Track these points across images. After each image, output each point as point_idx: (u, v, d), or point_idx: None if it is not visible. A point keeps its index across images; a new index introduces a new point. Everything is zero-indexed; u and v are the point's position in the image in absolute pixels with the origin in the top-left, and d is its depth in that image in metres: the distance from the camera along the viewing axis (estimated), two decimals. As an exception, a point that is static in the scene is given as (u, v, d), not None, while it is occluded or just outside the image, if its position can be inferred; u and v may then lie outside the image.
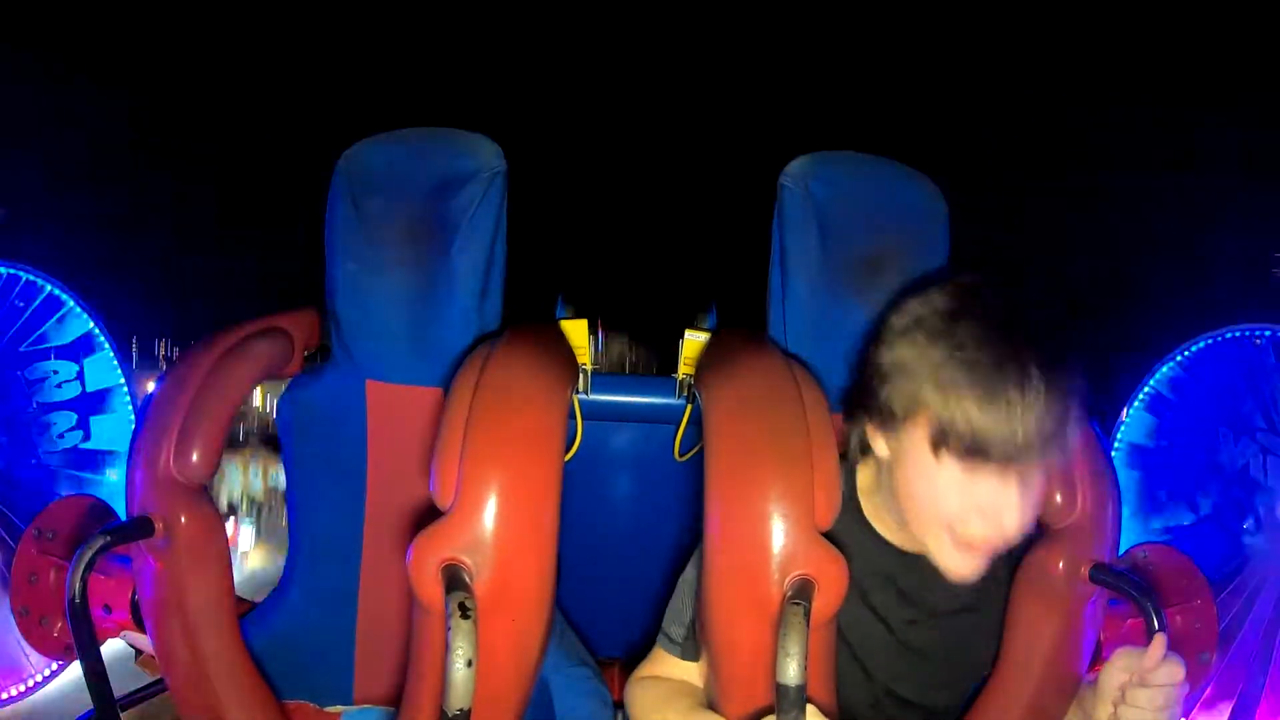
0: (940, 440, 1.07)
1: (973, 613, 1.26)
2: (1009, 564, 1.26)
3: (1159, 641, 1.07)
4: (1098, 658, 1.34)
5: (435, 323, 1.46)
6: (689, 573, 1.28)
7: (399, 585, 1.46)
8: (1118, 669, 1.11)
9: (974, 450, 1.05)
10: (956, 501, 1.09)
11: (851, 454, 1.25)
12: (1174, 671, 1.08)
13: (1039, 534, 1.28)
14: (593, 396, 1.69)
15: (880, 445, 1.17)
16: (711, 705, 1.20)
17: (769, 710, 0.99)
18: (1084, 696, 1.23)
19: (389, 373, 1.49)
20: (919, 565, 1.19)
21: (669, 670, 1.28)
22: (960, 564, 1.13)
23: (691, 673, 1.26)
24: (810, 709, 0.97)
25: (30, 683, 2.03)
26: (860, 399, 1.18)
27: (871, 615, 1.24)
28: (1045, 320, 1.11)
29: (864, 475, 1.26)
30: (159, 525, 1.29)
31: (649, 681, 1.29)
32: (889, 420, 1.13)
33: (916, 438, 1.10)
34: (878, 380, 1.14)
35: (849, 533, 1.20)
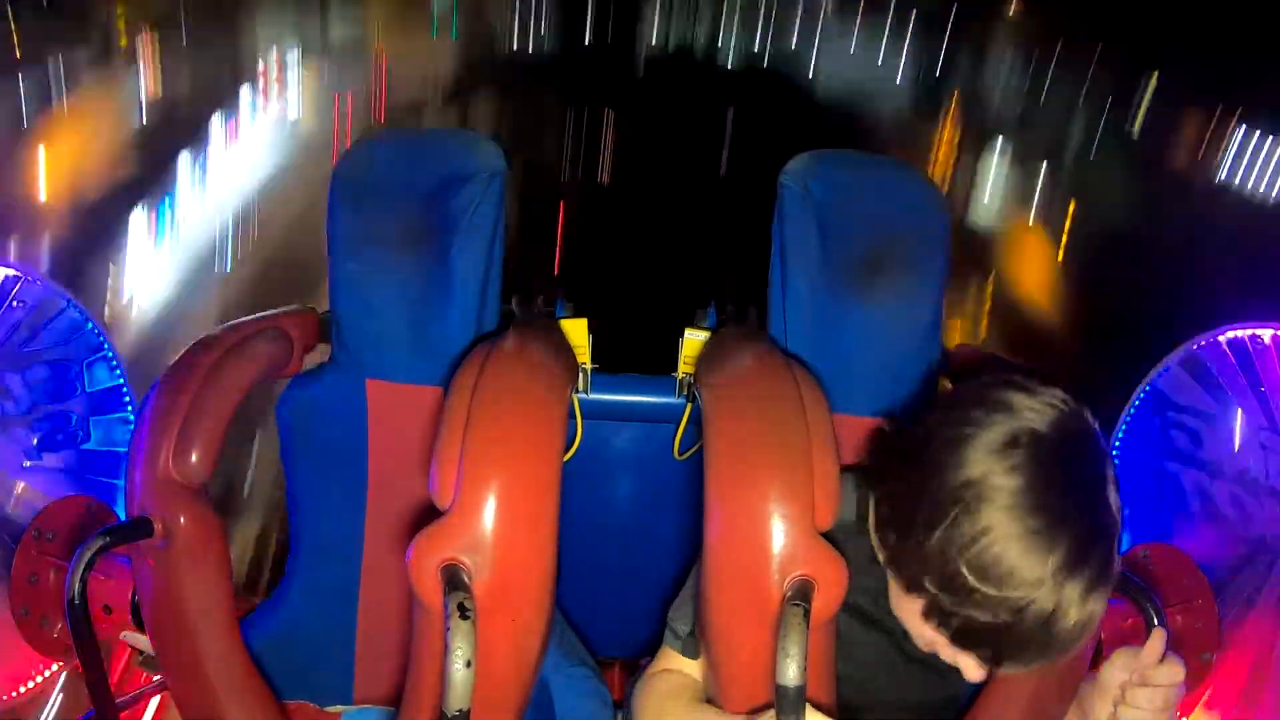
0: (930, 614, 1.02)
1: None
2: None
3: (1158, 638, 1.07)
4: (1098, 657, 1.33)
5: (436, 322, 1.46)
6: (697, 569, 1.28)
7: (400, 585, 1.45)
8: (1118, 668, 1.11)
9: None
10: (920, 635, 1.07)
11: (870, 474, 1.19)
12: (1174, 671, 1.08)
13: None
14: (593, 396, 1.69)
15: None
16: (712, 703, 1.20)
17: (769, 706, 0.99)
18: (1084, 695, 1.23)
19: (390, 372, 1.49)
20: None
21: (673, 667, 1.29)
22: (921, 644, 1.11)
23: (694, 671, 1.26)
24: (810, 710, 0.97)
25: (30, 683, 2.02)
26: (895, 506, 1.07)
27: (880, 635, 1.23)
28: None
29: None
30: (158, 526, 1.28)
31: (654, 678, 1.29)
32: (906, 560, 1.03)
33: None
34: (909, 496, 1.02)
35: (860, 550, 1.17)
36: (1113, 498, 1.00)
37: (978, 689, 1.31)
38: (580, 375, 1.66)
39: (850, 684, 1.20)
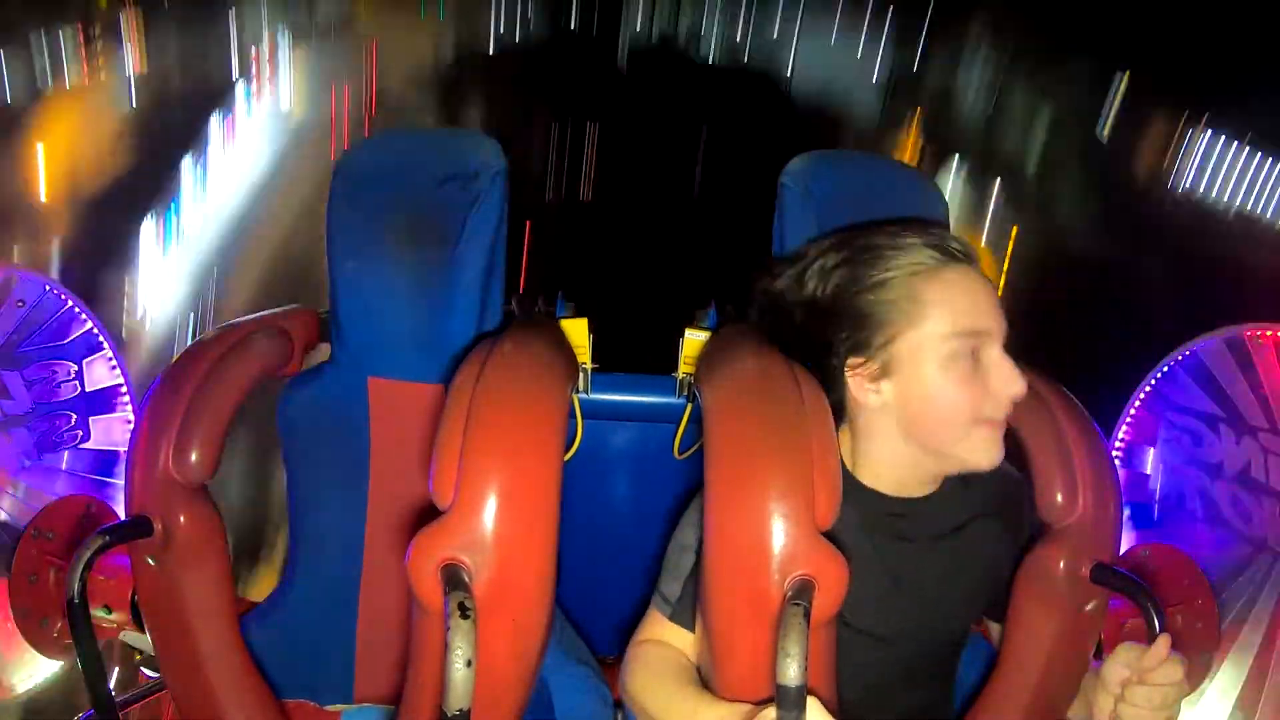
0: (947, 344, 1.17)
1: (960, 533, 1.30)
2: (987, 498, 1.32)
3: (1163, 642, 1.07)
4: (1099, 658, 1.33)
5: (437, 319, 1.46)
6: (683, 530, 1.30)
7: (400, 584, 1.45)
8: (1120, 664, 1.11)
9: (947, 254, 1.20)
10: (973, 391, 1.18)
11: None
12: (1173, 671, 1.08)
13: (1041, 533, 1.29)
14: (593, 395, 1.69)
15: (871, 397, 1.22)
16: (707, 686, 1.20)
17: (769, 702, 0.99)
18: (1087, 689, 1.23)
19: (391, 370, 1.49)
20: (910, 505, 1.26)
21: (663, 635, 1.29)
22: (991, 449, 1.21)
23: (687, 642, 1.27)
24: (814, 703, 0.97)
25: (30, 684, 2.02)
26: (829, 360, 1.23)
27: (875, 563, 1.26)
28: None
29: (843, 440, 1.30)
30: (158, 525, 1.28)
31: (645, 647, 1.29)
32: (878, 353, 1.20)
33: (914, 342, 1.18)
34: (845, 327, 1.21)
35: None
36: None
37: (980, 683, 1.31)
38: (580, 375, 1.66)
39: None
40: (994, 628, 1.39)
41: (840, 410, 1.25)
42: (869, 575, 1.23)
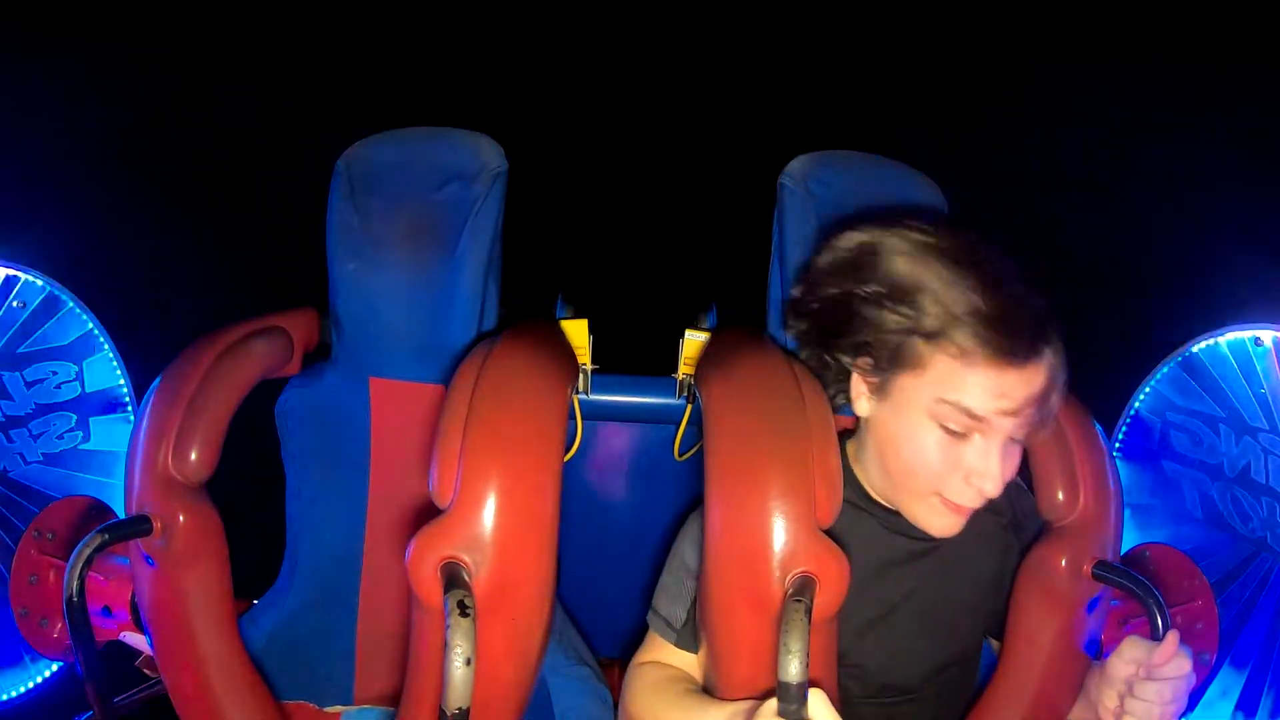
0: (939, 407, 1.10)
1: (943, 550, 1.27)
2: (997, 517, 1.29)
3: (1172, 638, 1.08)
4: (1100, 659, 1.33)
5: (438, 319, 1.46)
6: (683, 550, 1.28)
7: (401, 584, 1.45)
8: (1125, 660, 1.11)
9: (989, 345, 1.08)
10: (940, 464, 1.12)
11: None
12: (1181, 664, 1.08)
13: (1042, 532, 1.29)
14: (593, 396, 1.69)
15: (863, 404, 1.18)
16: (709, 694, 1.20)
17: (770, 693, 0.99)
18: (1090, 687, 1.23)
19: (392, 370, 1.49)
20: (905, 523, 1.22)
21: (665, 659, 1.28)
22: (945, 524, 1.17)
23: (690, 664, 1.26)
24: (818, 695, 0.96)
25: (30, 684, 2.02)
26: (831, 349, 1.19)
27: (865, 575, 1.23)
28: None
29: (850, 442, 1.28)
30: (157, 524, 1.28)
31: (646, 668, 1.28)
32: (880, 370, 1.14)
33: (915, 385, 1.12)
34: (865, 330, 1.14)
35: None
36: None
37: (981, 687, 1.31)
38: (580, 376, 1.66)
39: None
40: (994, 644, 1.37)
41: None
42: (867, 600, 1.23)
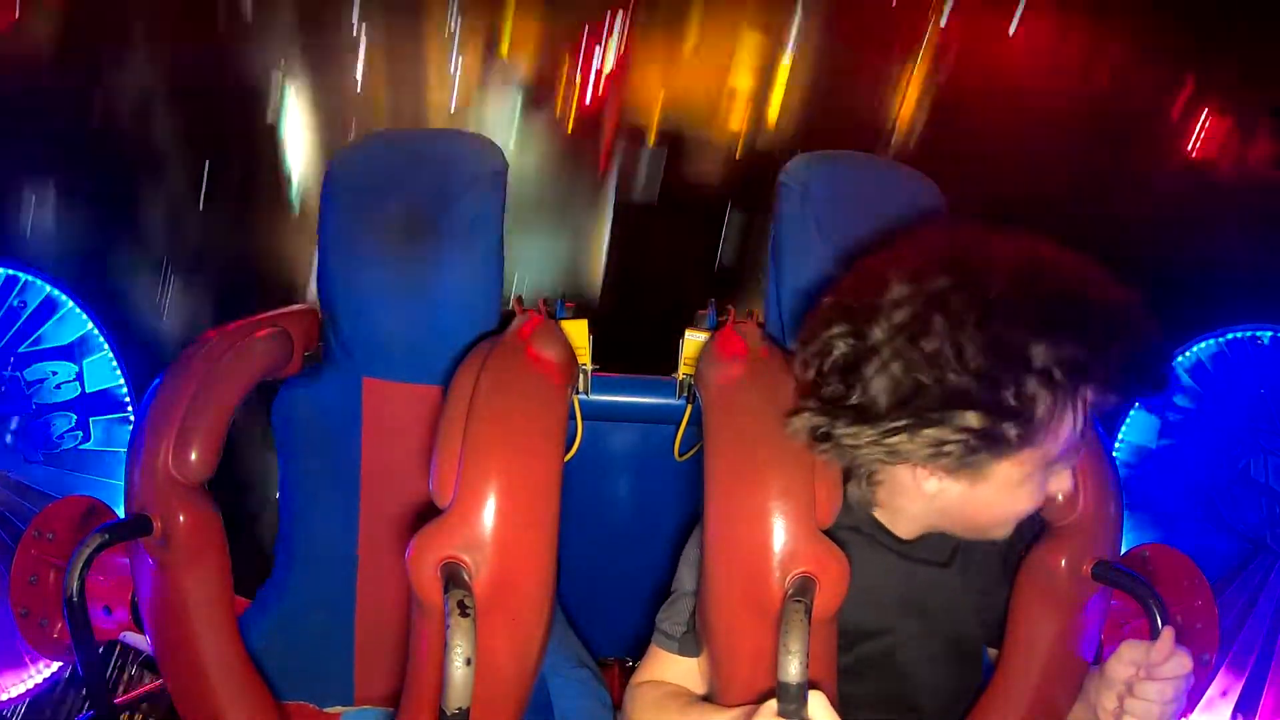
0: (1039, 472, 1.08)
1: (947, 567, 1.26)
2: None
3: (1168, 636, 1.07)
4: (1099, 659, 1.33)
5: (434, 320, 1.46)
6: (682, 575, 1.28)
7: (396, 585, 1.45)
8: (1124, 661, 1.11)
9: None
10: (1037, 502, 1.12)
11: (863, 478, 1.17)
12: (1182, 663, 1.08)
13: (1042, 531, 1.29)
14: (593, 396, 1.69)
15: (932, 484, 1.10)
16: (709, 701, 1.20)
17: (770, 694, 0.98)
18: (1089, 688, 1.22)
19: (387, 371, 1.49)
20: (915, 549, 1.22)
21: (666, 671, 1.28)
22: (1009, 530, 1.18)
23: (689, 670, 1.26)
24: (818, 696, 0.96)
25: (30, 684, 2.02)
26: (929, 421, 1.00)
27: (871, 603, 1.23)
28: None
29: (881, 492, 1.19)
30: (157, 524, 1.28)
31: (646, 686, 1.28)
32: (963, 459, 1.01)
33: (1007, 467, 1.05)
34: (914, 419, 0.99)
35: (848, 515, 1.20)
36: None
37: (980, 689, 1.31)
38: (580, 376, 1.66)
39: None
40: (992, 653, 1.36)
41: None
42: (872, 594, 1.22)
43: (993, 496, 1.09)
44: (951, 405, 0.97)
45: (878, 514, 1.23)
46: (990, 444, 0.99)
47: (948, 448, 0.99)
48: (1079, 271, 1.01)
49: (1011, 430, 0.98)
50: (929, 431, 0.99)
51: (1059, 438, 1.03)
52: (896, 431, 1.00)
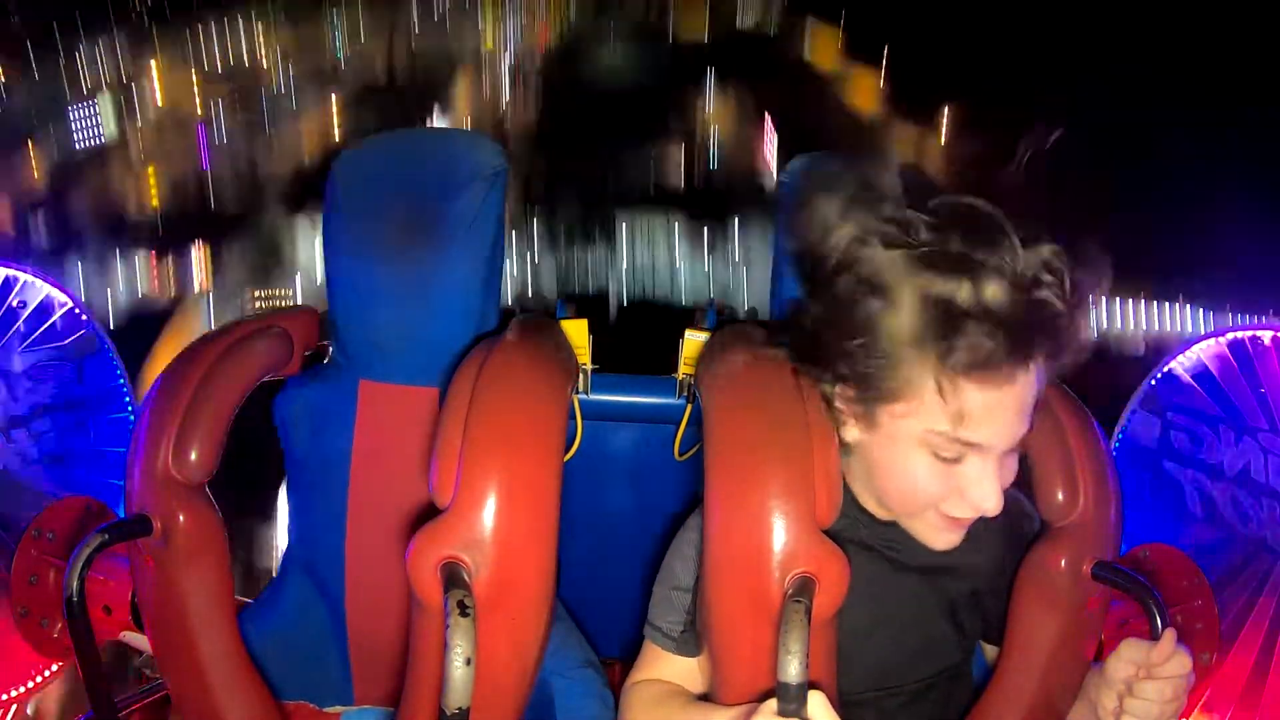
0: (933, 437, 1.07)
1: (952, 573, 1.26)
2: (991, 530, 1.26)
3: (1169, 636, 1.07)
4: (1099, 659, 1.33)
5: (433, 322, 1.45)
6: (673, 566, 1.28)
7: (385, 587, 1.45)
8: (1124, 661, 1.11)
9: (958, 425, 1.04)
10: (937, 488, 1.10)
11: None
12: (1182, 663, 1.08)
13: (1041, 531, 1.29)
14: (593, 396, 1.69)
15: (850, 430, 1.14)
16: (708, 700, 1.19)
17: (770, 694, 0.99)
18: (1089, 688, 1.22)
19: (384, 373, 1.49)
20: (900, 532, 1.21)
21: (664, 670, 1.27)
22: (946, 540, 1.16)
23: (690, 669, 1.26)
24: (818, 696, 0.96)
25: (30, 684, 2.02)
26: (820, 363, 1.11)
27: (862, 592, 1.23)
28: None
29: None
30: (157, 524, 1.28)
31: (643, 685, 1.28)
32: (863, 398, 1.09)
33: (892, 429, 1.09)
34: (829, 349, 1.08)
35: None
36: None
37: (980, 688, 1.31)
38: (580, 376, 1.66)
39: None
40: (989, 650, 1.36)
41: None
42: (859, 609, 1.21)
43: (887, 455, 1.11)
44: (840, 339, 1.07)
45: (855, 491, 1.23)
46: (860, 383, 1.07)
47: (841, 381, 1.09)
48: (976, 248, 1.02)
49: (870, 371, 1.05)
50: (838, 365, 1.08)
51: (924, 403, 1.05)
52: (821, 362, 1.10)
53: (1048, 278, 1.03)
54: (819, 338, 1.10)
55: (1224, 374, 1.93)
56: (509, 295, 1.61)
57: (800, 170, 1.49)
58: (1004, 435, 1.07)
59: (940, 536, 1.16)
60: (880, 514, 1.23)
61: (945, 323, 1.01)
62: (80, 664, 1.27)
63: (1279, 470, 1.86)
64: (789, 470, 1.09)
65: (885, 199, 1.08)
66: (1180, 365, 2.00)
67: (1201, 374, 1.96)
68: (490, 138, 1.52)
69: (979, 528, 1.18)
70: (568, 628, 1.65)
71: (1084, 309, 1.06)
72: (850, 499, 1.24)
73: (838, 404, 1.14)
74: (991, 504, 1.10)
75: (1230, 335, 1.93)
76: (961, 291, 1.01)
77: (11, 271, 1.97)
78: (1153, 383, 2.03)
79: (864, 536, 1.23)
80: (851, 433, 1.15)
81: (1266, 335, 1.88)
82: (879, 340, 1.04)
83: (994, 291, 1.01)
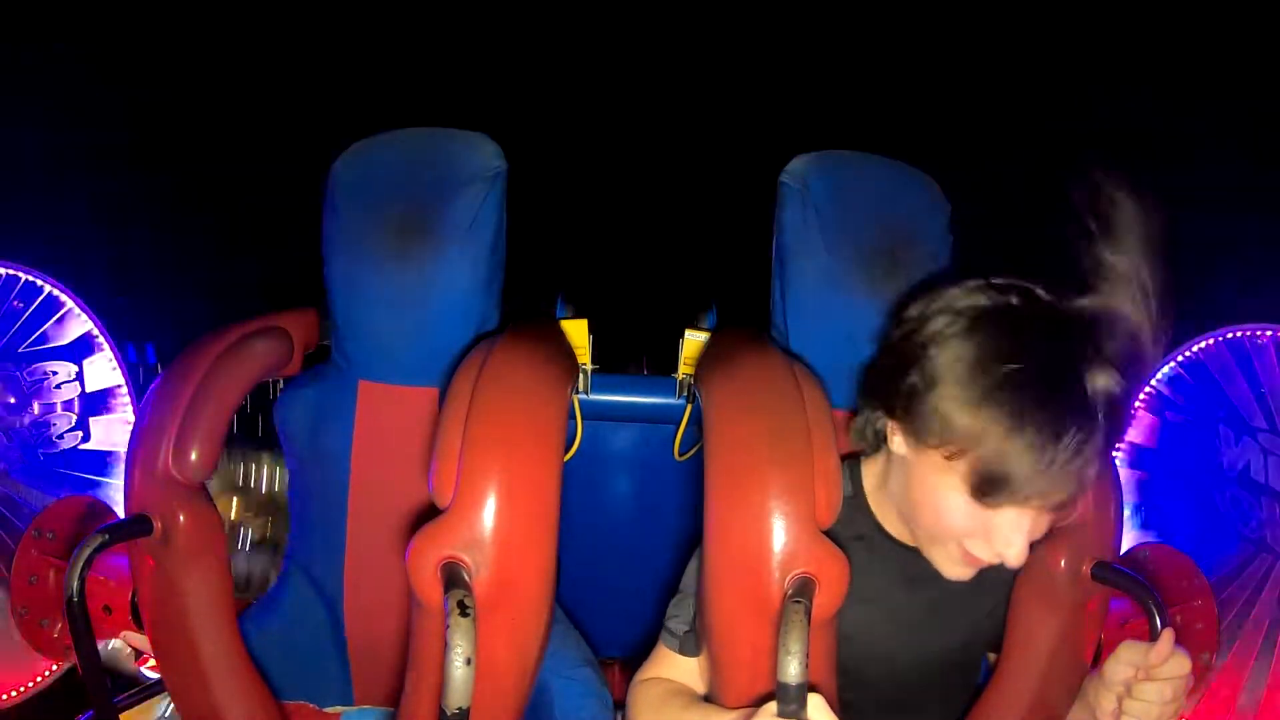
0: (972, 481, 1.06)
1: (973, 593, 1.25)
2: None
3: (1167, 637, 1.07)
4: (1098, 660, 1.33)
5: (433, 323, 1.45)
6: (692, 563, 1.28)
7: (385, 588, 1.45)
8: (1123, 662, 1.11)
9: (999, 488, 1.04)
10: (966, 525, 1.10)
11: (862, 443, 1.24)
12: (1180, 664, 1.08)
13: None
14: (593, 396, 1.69)
15: (899, 443, 1.15)
16: (710, 701, 1.20)
17: (770, 697, 0.99)
18: (1088, 689, 1.22)
19: (383, 373, 1.48)
20: (922, 558, 1.20)
21: (669, 669, 1.28)
22: (960, 572, 1.15)
23: (691, 669, 1.26)
24: (818, 698, 0.96)
25: (30, 684, 2.02)
26: (882, 389, 1.16)
27: (876, 613, 1.24)
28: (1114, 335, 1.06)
29: (871, 470, 1.26)
30: (157, 524, 1.28)
31: (648, 684, 1.29)
32: (912, 425, 1.10)
33: (936, 458, 1.09)
34: (904, 379, 1.10)
35: (853, 525, 1.22)
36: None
37: (981, 687, 1.31)
38: (580, 376, 1.66)
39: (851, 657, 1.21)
40: (991, 656, 1.37)
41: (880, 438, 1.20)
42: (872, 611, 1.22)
43: (930, 478, 1.10)
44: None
45: (876, 509, 1.24)
46: (918, 424, 1.09)
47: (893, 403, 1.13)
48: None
49: (928, 424, 1.08)
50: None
51: (977, 453, 1.04)
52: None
53: (1115, 408, 1.04)
54: (888, 373, 1.14)
55: (1224, 374, 1.93)
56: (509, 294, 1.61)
57: (801, 169, 1.49)
58: (1050, 501, 1.06)
59: (955, 569, 1.15)
60: (903, 538, 1.23)
61: (1026, 431, 1.02)
62: (80, 664, 1.27)
63: (1279, 470, 1.86)
64: (789, 470, 1.09)
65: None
66: (1180, 364, 2.00)
67: (1201, 374, 1.96)
68: (490, 138, 1.52)
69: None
70: (565, 628, 1.66)
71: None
72: (871, 520, 1.24)
73: (890, 424, 1.15)
74: (1014, 557, 1.09)
75: (1231, 334, 1.93)
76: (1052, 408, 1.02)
77: (12, 271, 1.97)
78: (1152, 382, 2.03)
79: (883, 552, 1.23)
80: (899, 444, 1.15)
81: (1266, 334, 1.88)
82: (949, 414, 1.06)
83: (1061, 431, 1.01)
